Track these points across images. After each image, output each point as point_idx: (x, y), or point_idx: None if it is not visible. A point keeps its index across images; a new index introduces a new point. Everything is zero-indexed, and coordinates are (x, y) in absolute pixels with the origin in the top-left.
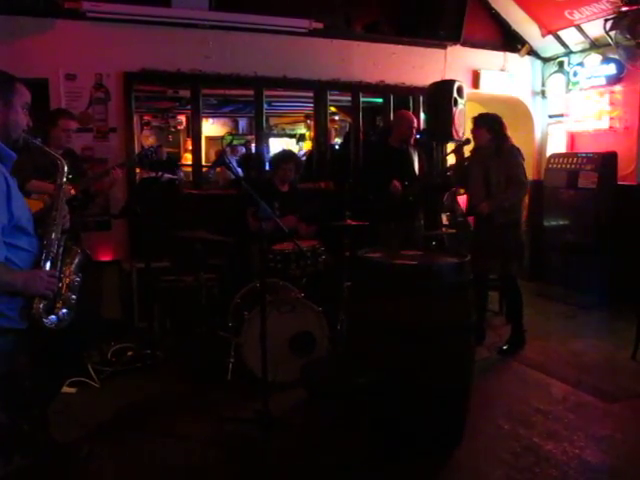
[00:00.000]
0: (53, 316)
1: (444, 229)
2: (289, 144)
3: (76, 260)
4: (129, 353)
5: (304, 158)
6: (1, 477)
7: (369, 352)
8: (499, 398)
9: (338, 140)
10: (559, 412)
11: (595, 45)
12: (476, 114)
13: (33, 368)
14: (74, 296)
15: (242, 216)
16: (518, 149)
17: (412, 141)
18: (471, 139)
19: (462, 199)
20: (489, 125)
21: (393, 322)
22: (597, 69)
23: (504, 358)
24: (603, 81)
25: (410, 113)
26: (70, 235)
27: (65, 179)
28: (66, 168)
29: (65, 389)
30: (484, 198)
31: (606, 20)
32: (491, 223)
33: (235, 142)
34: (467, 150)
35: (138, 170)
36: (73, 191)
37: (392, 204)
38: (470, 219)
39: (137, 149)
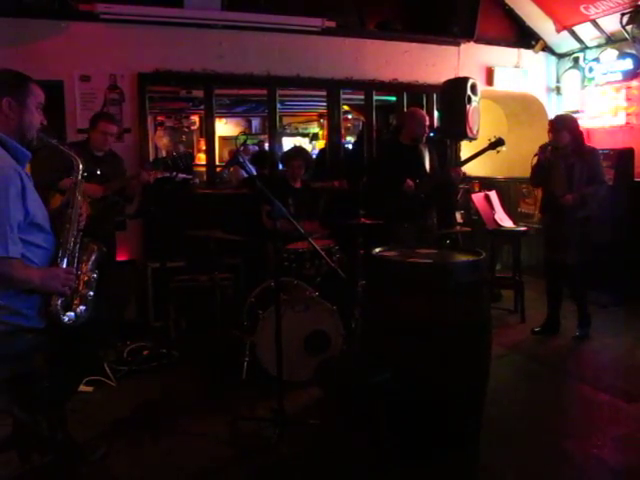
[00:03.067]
0: (71, 313)
1: (458, 227)
2: (302, 143)
3: (93, 257)
4: (145, 352)
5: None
6: (20, 475)
7: (384, 351)
8: (515, 397)
9: (350, 139)
10: (576, 411)
11: (611, 40)
12: (555, 116)
13: (51, 367)
14: (91, 293)
15: (257, 215)
16: (598, 151)
17: (424, 139)
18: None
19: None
20: (569, 127)
21: (408, 321)
22: (613, 64)
23: (520, 357)
24: (619, 76)
25: (421, 111)
26: (104, 234)
27: (80, 177)
28: (81, 166)
29: (82, 388)
30: (567, 192)
31: (622, 14)
32: (572, 216)
33: (249, 142)
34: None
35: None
36: (104, 191)
37: (405, 202)
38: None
39: (151, 150)
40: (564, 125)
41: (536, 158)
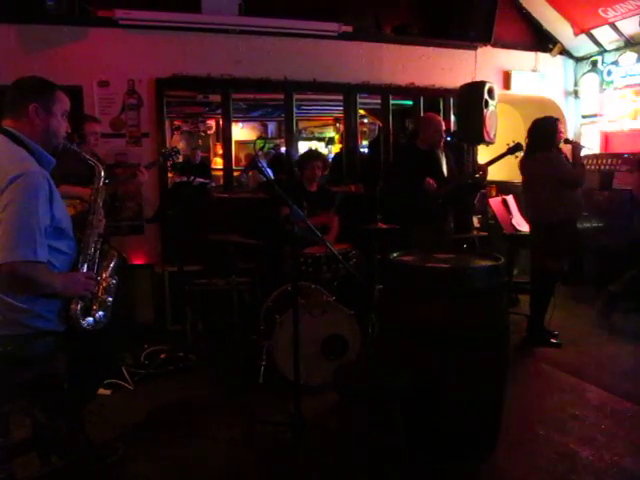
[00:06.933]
0: (90, 318)
1: (475, 232)
2: (318, 147)
3: (112, 263)
4: (162, 356)
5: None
6: (39, 477)
7: (401, 356)
8: (533, 403)
9: (366, 143)
10: (595, 418)
11: (630, 43)
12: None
13: (70, 370)
14: (110, 298)
15: (275, 219)
16: None
17: (440, 144)
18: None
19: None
20: None
21: (425, 325)
22: (632, 68)
23: (538, 363)
24: (639, 80)
25: (437, 117)
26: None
27: (102, 183)
28: (103, 172)
29: (100, 391)
30: None
31: None
32: None
33: (266, 147)
34: None
35: (170, 175)
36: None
37: (423, 206)
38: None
39: None
40: None
41: None
